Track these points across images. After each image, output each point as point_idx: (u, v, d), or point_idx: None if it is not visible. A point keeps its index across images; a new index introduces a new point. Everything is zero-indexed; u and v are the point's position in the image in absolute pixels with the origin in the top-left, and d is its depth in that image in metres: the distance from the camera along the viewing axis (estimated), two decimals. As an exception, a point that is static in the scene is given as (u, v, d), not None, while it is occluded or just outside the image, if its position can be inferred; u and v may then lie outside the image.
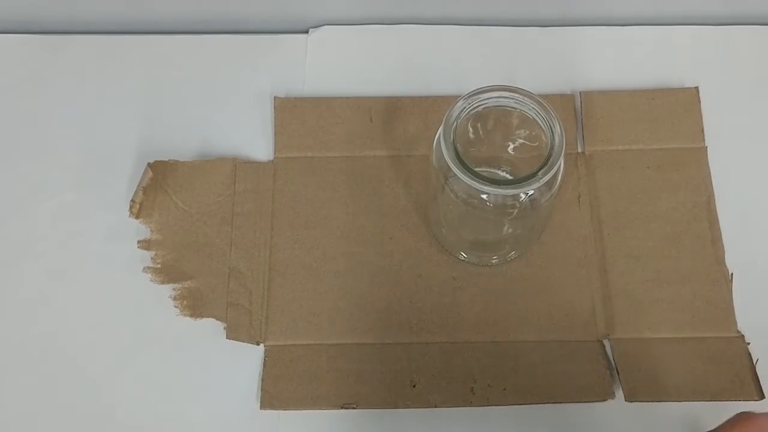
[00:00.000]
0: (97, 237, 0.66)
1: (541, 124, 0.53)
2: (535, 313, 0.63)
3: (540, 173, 0.51)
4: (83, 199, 0.67)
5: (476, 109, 0.54)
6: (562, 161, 0.53)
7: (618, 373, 0.60)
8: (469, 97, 0.54)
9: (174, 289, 0.63)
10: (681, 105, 0.69)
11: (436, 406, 0.59)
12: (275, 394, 0.60)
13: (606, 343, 0.62)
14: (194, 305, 0.63)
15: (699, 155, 0.67)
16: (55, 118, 0.71)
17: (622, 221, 0.65)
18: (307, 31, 0.75)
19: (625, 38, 0.74)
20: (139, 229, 0.65)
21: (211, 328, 0.62)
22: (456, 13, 0.75)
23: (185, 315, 0.62)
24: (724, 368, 0.60)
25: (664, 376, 0.60)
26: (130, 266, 0.64)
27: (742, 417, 0.41)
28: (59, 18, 0.75)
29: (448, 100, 0.54)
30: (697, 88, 0.70)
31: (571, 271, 0.64)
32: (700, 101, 0.70)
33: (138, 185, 0.65)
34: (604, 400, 0.59)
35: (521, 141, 0.59)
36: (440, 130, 0.53)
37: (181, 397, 0.61)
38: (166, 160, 0.67)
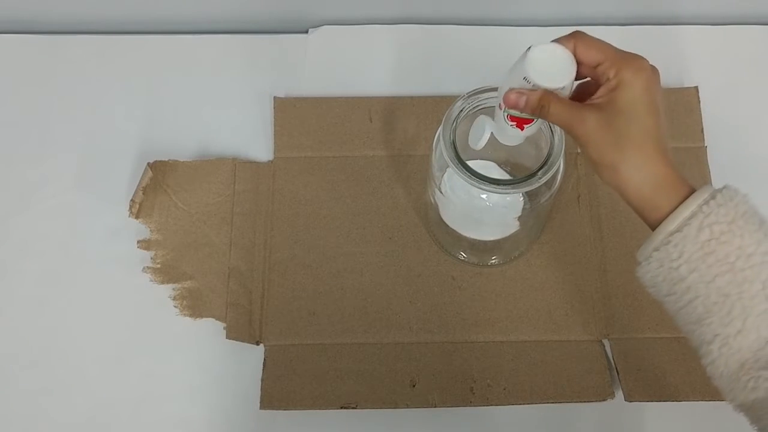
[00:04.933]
0: (97, 237, 0.66)
1: (541, 124, 0.53)
2: (535, 313, 0.63)
3: (540, 173, 0.51)
4: (83, 199, 0.67)
5: (476, 109, 0.54)
6: (561, 161, 0.53)
7: (618, 373, 0.60)
8: (468, 97, 0.54)
9: (174, 289, 0.63)
10: (681, 105, 0.69)
11: (435, 406, 0.59)
12: (275, 394, 0.60)
13: (606, 343, 0.62)
14: (194, 305, 0.63)
15: (699, 155, 0.67)
16: (55, 118, 0.71)
17: (621, 221, 0.65)
18: (307, 31, 0.75)
19: (625, 38, 0.74)
20: (139, 229, 0.65)
21: (211, 328, 0.62)
22: (456, 13, 0.75)
23: (185, 315, 0.62)
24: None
25: (663, 376, 0.60)
26: (130, 266, 0.64)
27: (577, 32, 0.45)
28: (59, 18, 0.75)
29: (448, 100, 0.54)
30: (696, 87, 0.70)
31: (571, 271, 0.64)
32: (699, 101, 0.70)
33: (138, 185, 0.65)
34: (604, 400, 0.59)
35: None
36: (440, 129, 0.53)
37: (181, 397, 0.61)
38: (166, 160, 0.67)
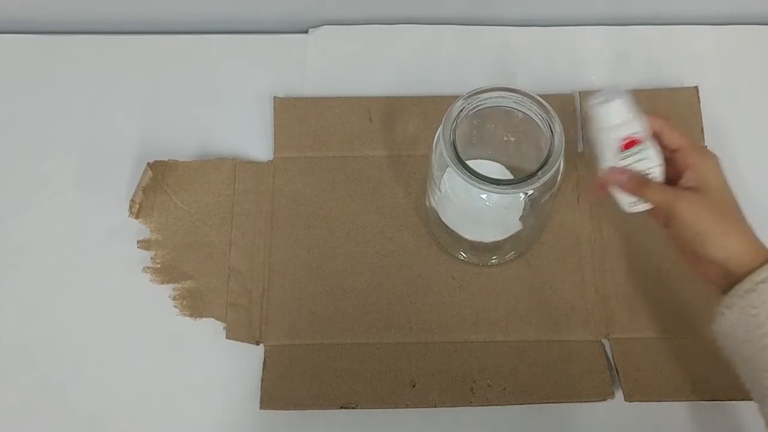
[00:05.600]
0: (97, 237, 0.66)
1: (541, 125, 0.53)
2: (535, 313, 0.63)
3: (540, 173, 0.51)
4: (83, 199, 0.67)
5: (476, 109, 0.54)
6: (561, 161, 0.53)
7: (617, 373, 0.60)
8: (468, 96, 0.54)
9: (174, 289, 0.63)
10: (681, 105, 0.69)
11: (435, 406, 0.59)
12: (275, 394, 0.60)
13: (606, 343, 0.62)
14: (194, 305, 0.63)
15: (699, 155, 0.67)
16: (55, 118, 0.71)
17: (621, 221, 0.65)
18: (307, 31, 0.75)
19: (625, 38, 0.74)
20: (139, 229, 0.65)
21: (211, 328, 0.63)
22: (456, 13, 0.75)
23: (185, 315, 0.63)
24: (723, 368, 0.60)
25: (663, 375, 0.60)
26: (130, 266, 0.64)
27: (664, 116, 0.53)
28: (59, 18, 0.76)
29: (448, 100, 0.54)
30: (696, 87, 0.70)
31: (571, 271, 0.64)
32: (699, 101, 0.70)
33: (138, 185, 0.65)
34: (604, 399, 0.59)
35: (521, 141, 0.59)
36: (440, 129, 0.53)
37: (181, 397, 0.61)
38: (166, 160, 0.67)
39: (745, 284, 0.48)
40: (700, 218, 0.50)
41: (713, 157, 0.52)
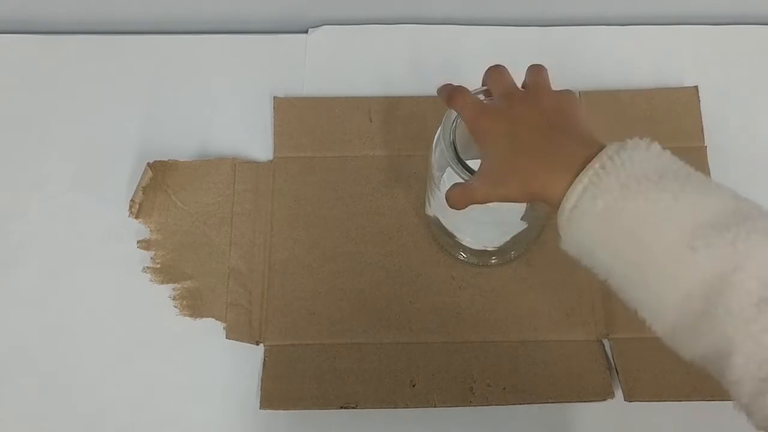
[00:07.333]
0: (97, 237, 0.66)
1: None
2: (535, 313, 0.63)
3: (539, 173, 0.51)
4: (83, 199, 0.67)
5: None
6: (561, 161, 0.53)
7: (617, 373, 0.60)
8: (468, 97, 0.53)
9: (174, 289, 0.63)
10: (681, 104, 0.69)
11: (435, 406, 0.59)
12: (275, 394, 0.60)
13: (605, 342, 0.62)
14: (194, 305, 0.63)
15: (699, 155, 0.67)
16: (55, 118, 0.71)
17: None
18: (307, 31, 0.75)
19: (625, 38, 0.75)
20: (139, 229, 0.65)
21: (211, 328, 0.62)
22: (456, 13, 0.75)
23: (185, 315, 0.63)
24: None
25: (663, 375, 0.60)
26: (130, 266, 0.64)
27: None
28: (59, 18, 0.76)
29: (448, 100, 0.54)
30: (696, 87, 0.70)
31: (571, 271, 0.64)
32: (699, 101, 0.70)
33: (138, 185, 0.65)
34: (604, 399, 0.59)
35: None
36: (439, 129, 0.53)
37: (181, 397, 0.61)
38: (166, 160, 0.67)
39: (561, 215, 0.44)
40: (486, 193, 0.47)
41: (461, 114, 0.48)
